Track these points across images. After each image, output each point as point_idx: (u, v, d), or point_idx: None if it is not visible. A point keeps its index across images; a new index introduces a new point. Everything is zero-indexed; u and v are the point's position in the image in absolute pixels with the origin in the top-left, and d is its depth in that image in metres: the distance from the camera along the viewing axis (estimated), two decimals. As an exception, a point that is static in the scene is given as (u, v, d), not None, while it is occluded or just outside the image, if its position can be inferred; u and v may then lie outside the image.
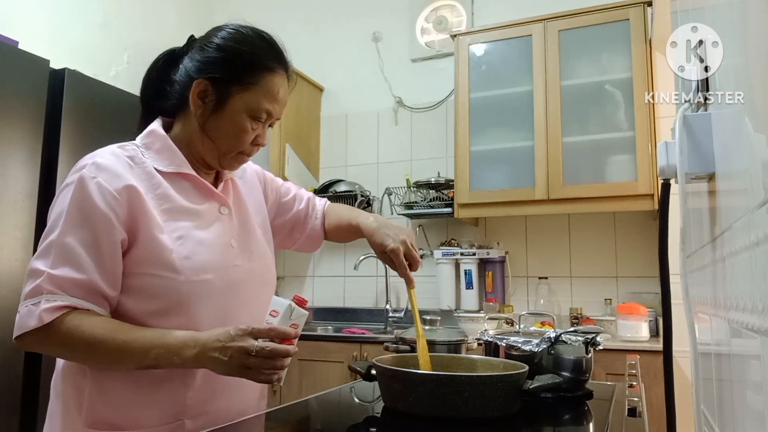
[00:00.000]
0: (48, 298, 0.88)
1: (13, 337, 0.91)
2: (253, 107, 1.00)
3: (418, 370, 1.03)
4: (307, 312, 0.99)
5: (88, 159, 0.97)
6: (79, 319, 0.89)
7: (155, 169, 0.99)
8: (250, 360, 0.89)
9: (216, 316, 0.97)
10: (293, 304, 0.96)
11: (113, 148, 1.00)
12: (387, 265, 1.13)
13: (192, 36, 1.08)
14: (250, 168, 1.21)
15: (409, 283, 1.12)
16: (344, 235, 1.25)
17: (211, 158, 1.04)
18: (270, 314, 0.96)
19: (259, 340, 0.90)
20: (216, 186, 1.07)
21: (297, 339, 0.96)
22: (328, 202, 1.32)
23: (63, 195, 0.95)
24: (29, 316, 0.88)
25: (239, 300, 1.02)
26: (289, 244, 1.29)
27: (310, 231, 1.27)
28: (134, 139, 1.04)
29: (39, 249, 0.92)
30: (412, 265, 1.12)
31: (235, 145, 1.02)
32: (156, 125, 1.05)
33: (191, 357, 0.90)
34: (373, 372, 1.04)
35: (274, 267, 1.15)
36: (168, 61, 1.07)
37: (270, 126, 1.06)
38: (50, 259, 0.90)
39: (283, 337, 0.92)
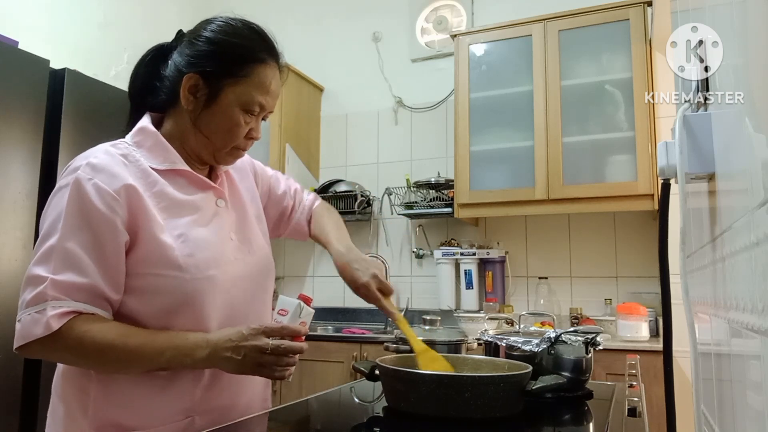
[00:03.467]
0: (54, 305, 0.85)
1: (15, 347, 0.87)
2: (246, 100, 0.98)
3: (421, 370, 1.02)
4: (313, 310, 1.02)
5: (82, 160, 0.94)
6: (88, 325, 0.87)
7: (149, 166, 0.97)
8: (265, 358, 0.91)
9: (222, 311, 0.97)
10: (302, 303, 0.99)
11: (106, 146, 0.98)
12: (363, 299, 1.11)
13: (180, 30, 1.05)
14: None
15: (392, 315, 1.09)
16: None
17: (206, 154, 1.02)
18: (279, 313, 0.99)
19: (270, 338, 0.92)
20: (211, 180, 1.05)
21: (305, 336, 0.98)
22: (318, 202, 1.30)
23: (58, 198, 0.91)
24: (35, 324, 0.84)
25: (243, 294, 1.02)
26: (279, 233, 1.28)
27: (294, 224, 1.26)
28: (123, 137, 1.02)
29: (37, 255, 0.88)
30: (386, 293, 1.09)
31: (228, 140, 1.00)
32: (145, 122, 1.02)
33: (203, 358, 0.90)
34: (377, 372, 1.04)
35: (271, 257, 1.13)
36: (156, 56, 1.04)
37: (263, 119, 1.04)
38: (51, 264, 0.87)
39: (294, 335, 0.95)
